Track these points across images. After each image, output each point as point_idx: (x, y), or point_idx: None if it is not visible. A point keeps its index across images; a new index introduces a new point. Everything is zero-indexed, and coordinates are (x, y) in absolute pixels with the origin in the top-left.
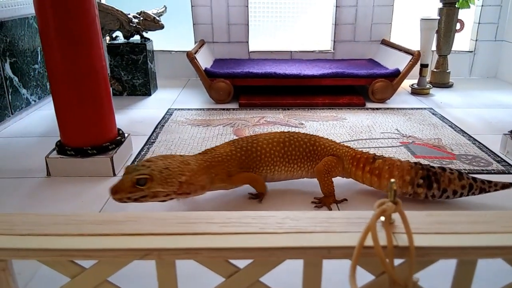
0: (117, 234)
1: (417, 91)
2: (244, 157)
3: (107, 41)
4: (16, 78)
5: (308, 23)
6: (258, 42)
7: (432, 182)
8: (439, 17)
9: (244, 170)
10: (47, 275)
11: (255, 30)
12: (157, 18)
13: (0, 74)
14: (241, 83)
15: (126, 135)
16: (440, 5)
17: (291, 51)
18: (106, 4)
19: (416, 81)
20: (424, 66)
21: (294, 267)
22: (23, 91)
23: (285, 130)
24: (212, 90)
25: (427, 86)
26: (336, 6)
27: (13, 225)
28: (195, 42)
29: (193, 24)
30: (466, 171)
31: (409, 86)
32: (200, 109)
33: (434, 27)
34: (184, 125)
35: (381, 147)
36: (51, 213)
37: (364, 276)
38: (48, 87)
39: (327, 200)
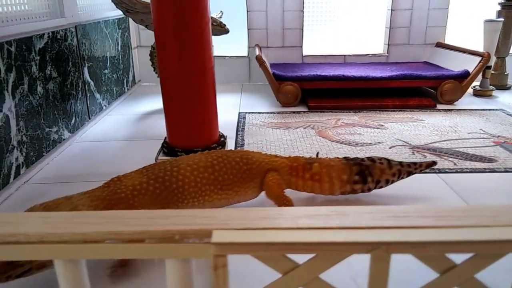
0: (337, 227)
1: (480, 93)
2: (160, 190)
3: None
4: (92, 83)
5: (360, 27)
6: (310, 46)
7: (366, 176)
8: (503, 19)
9: (161, 207)
10: None
11: (307, 34)
12: (223, 22)
13: (80, 78)
14: (309, 86)
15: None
16: (499, 7)
17: (344, 55)
18: None
19: (477, 83)
20: (487, 67)
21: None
22: (97, 95)
23: (215, 150)
24: (280, 93)
25: (490, 88)
26: (391, 10)
27: (226, 220)
28: (249, 47)
29: (248, 29)
30: None
31: (471, 88)
32: (271, 113)
33: (498, 29)
34: (263, 128)
35: (475, 146)
36: (258, 208)
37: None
38: (115, 92)
39: None
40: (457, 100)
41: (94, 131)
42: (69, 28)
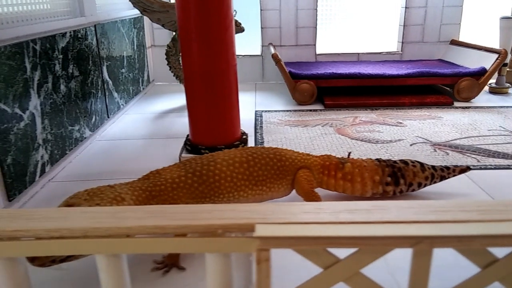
0: (379, 222)
1: (496, 90)
2: (198, 184)
3: None
4: (110, 82)
5: (373, 25)
6: (323, 44)
7: (399, 178)
8: None
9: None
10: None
11: (319, 32)
12: (238, 21)
13: (100, 77)
14: (325, 84)
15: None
16: None
17: (358, 53)
18: None
19: (492, 80)
20: (504, 65)
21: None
22: (115, 94)
23: (249, 146)
24: (296, 91)
25: (506, 85)
26: (405, 7)
27: (267, 214)
28: (262, 46)
29: (261, 28)
30: None
31: (487, 86)
32: (287, 111)
33: None
34: (281, 125)
35: (497, 143)
36: (298, 202)
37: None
38: (132, 91)
39: None
40: (474, 98)
41: (113, 130)
42: (89, 27)
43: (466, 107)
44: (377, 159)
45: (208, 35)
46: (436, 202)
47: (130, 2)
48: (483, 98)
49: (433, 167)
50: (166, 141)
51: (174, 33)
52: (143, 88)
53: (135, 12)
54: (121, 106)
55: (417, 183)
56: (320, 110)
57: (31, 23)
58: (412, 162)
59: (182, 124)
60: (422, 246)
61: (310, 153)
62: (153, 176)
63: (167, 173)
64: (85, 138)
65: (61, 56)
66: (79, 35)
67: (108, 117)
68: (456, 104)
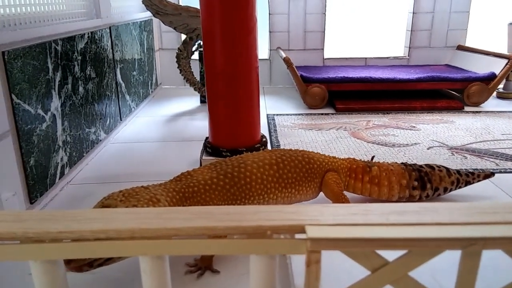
0: (430, 223)
1: (503, 95)
2: (229, 186)
3: (193, 49)
4: (123, 84)
5: (380, 30)
6: (330, 49)
7: (426, 182)
8: None
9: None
10: None
11: (327, 37)
12: None
13: (114, 79)
14: (336, 88)
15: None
16: None
17: (365, 58)
18: None
19: (499, 86)
20: None
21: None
22: (127, 97)
23: (277, 148)
24: (307, 95)
25: None
26: (413, 13)
27: (316, 216)
28: (270, 50)
29: (270, 32)
30: None
31: (495, 91)
32: (299, 114)
33: None
34: (295, 129)
35: None
36: (346, 204)
37: None
38: (142, 94)
39: None
40: (483, 102)
41: (126, 133)
42: (105, 29)
43: (477, 112)
44: (402, 163)
45: (232, 37)
46: (484, 204)
47: (142, 5)
48: (492, 103)
49: (458, 172)
50: (181, 144)
51: (185, 36)
52: (151, 91)
53: (145, 15)
54: (132, 109)
55: (443, 187)
56: (332, 114)
57: (53, 23)
58: (438, 166)
59: (195, 127)
60: (474, 248)
61: (336, 156)
62: (185, 177)
63: (199, 175)
64: (100, 140)
65: (80, 58)
66: (96, 37)
67: (121, 120)
68: (466, 108)
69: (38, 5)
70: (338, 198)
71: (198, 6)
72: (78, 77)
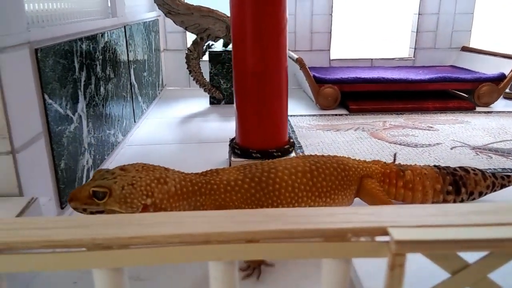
0: (509, 223)
1: (511, 96)
2: (254, 190)
3: (203, 49)
4: (136, 85)
5: (384, 31)
6: (336, 50)
7: (460, 187)
8: None
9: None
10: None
11: (334, 38)
12: None
13: (128, 80)
14: (349, 88)
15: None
16: None
17: (371, 59)
18: (219, 11)
19: None
20: None
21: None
22: (139, 98)
23: (308, 154)
24: (320, 96)
25: None
26: (418, 14)
27: (395, 217)
28: None
29: None
30: None
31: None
32: (312, 115)
33: None
34: (313, 130)
35: None
36: (419, 205)
37: None
38: (151, 95)
39: None
40: (493, 103)
41: (139, 135)
42: (121, 28)
43: (488, 112)
44: (435, 165)
45: (264, 37)
46: None
47: (150, 5)
48: (501, 103)
49: (493, 175)
50: (201, 146)
51: (195, 36)
52: (159, 93)
53: (152, 15)
54: (144, 110)
55: (478, 192)
56: (345, 114)
57: (77, 21)
58: (473, 170)
59: (210, 129)
60: None
61: (367, 160)
62: (210, 174)
63: (225, 174)
64: (119, 143)
65: (101, 57)
66: (114, 36)
67: (135, 122)
68: (478, 109)
69: (61, 2)
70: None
71: (210, 6)
72: (100, 77)
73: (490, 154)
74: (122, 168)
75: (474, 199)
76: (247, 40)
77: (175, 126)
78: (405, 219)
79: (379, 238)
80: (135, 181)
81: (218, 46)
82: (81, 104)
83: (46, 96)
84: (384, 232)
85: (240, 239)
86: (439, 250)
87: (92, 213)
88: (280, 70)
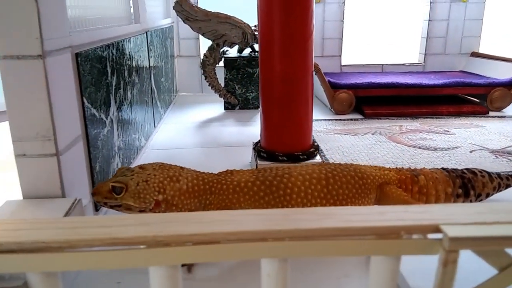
0: None
1: None
2: (264, 193)
3: (219, 55)
4: (156, 91)
5: (395, 37)
6: (347, 55)
7: (469, 189)
8: None
9: None
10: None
11: (345, 43)
12: None
13: (150, 85)
14: (363, 93)
15: None
16: None
17: (382, 64)
18: (236, 17)
19: None
20: None
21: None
22: (158, 103)
23: (328, 162)
24: (335, 101)
25: None
26: (428, 20)
27: (443, 215)
28: None
29: None
30: None
31: None
32: (328, 120)
33: None
34: (330, 134)
35: None
36: (463, 204)
37: None
38: (167, 100)
39: None
40: (506, 107)
41: (159, 139)
42: (143, 34)
43: (502, 116)
44: (443, 168)
45: (292, 43)
46: None
47: (166, 11)
48: (510, 108)
49: (499, 175)
50: (221, 150)
51: (212, 42)
52: (173, 98)
53: (169, 21)
54: (162, 115)
55: (485, 193)
56: (361, 119)
57: (108, 26)
58: (480, 171)
59: (229, 133)
60: None
61: (382, 167)
62: (224, 174)
63: (237, 175)
64: (142, 147)
65: (128, 62)
66: (138, 42)
67: (155, 126)
68: (490, 113)
69: (93, 8)
70: None
71: (228, 13)
72: (127, 82)
73: (510, 158)
74: (141, 167)
75: (481, 200)
76: (275, 47)
77: (194, 131)
78: (456, 217)
79: (430, 236)
80: (149, 178)
81: (233, 52)
82: (113, 108)
83: (84, 100)
84: (436, 229)
85: (296, 236)
86: (490, 246)
87: (111, 207)
88: (307, 75)
